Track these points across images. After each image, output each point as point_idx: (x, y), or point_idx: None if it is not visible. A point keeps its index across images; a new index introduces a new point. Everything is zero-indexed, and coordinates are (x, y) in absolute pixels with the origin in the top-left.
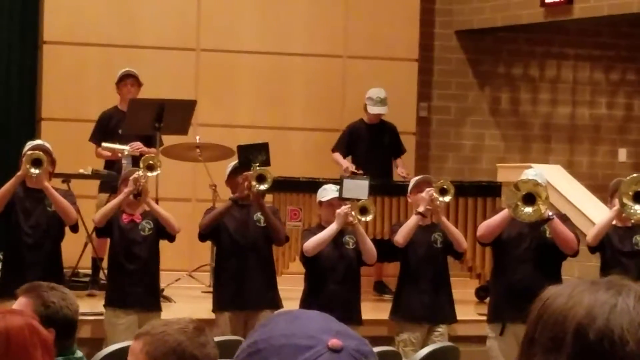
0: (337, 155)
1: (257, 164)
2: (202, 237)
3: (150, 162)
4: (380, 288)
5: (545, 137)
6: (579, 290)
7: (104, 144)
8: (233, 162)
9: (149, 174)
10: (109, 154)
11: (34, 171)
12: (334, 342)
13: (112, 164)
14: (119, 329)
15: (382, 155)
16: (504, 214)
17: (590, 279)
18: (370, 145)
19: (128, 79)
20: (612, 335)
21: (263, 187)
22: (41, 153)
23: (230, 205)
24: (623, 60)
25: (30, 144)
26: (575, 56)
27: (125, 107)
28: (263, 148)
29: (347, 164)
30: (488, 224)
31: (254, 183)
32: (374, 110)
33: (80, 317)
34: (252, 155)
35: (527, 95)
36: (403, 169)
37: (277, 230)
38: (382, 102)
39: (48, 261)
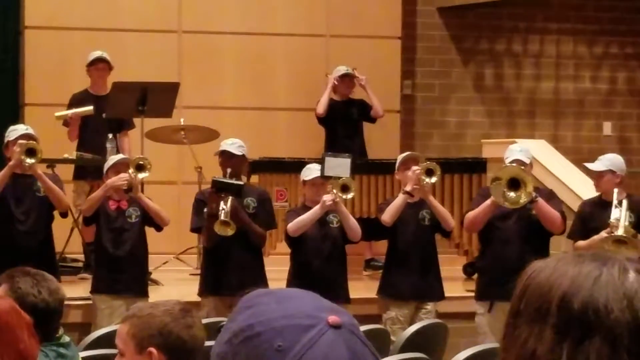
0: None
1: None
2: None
3: (141, 162)
4: (372, 265)
5: (530, 113)
6: (563, 262)
7: (56, 114)
8: (226, 140)
9: (139, 175)
10: (70, 127)
11: (29, 161)
12: (334, 319)
13: (99, 148)
14: (106, 314)
15: (354, 130)
16: (488, 203)
17: (576, 252)
18: (343, 121)
19: (99, 63)
20: (597, 304)
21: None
22: (35, 143)
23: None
24: (606, 33)
25: (13, 129)
26: (558, 30)
27: (95, 90)
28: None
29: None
30: (475, 217)
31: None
32: (339, 71)
33: (71, 302)
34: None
35: (511, 71)
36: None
37: (256, 235)
38: (348, 70)
39: (41, 246)
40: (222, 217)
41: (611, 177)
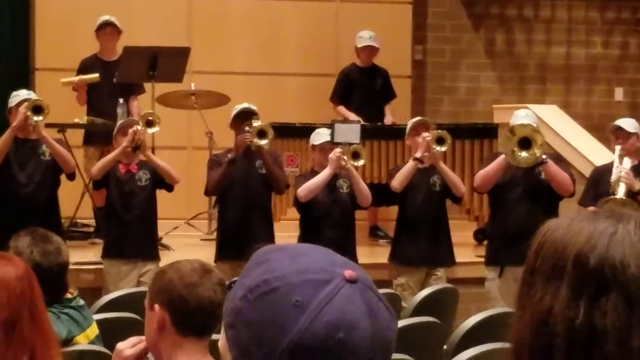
0: (342, 109)
1: (257, 119)
2: (209, 193)
3: (150, 118)
4: (375, 233)
5: (541, 78)
6: (578, 220)
7: (62, 80)
8: (237, 105)
9: (148, 130)
10: (78, 93)
11: (36, 118)
12: (350, 273)
13: (110, 113)
14: (117, 278)
15: (375, 100)
16: (499, 161)
17: (591, 211)
18: (363, 89)
19: (107, 28)
20: (613, 260)
21: (263, 142)
22: (42, 100)
23: (229, 166)
24: None
25: (15, 94)
26: None
27: (105, 56)
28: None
29: (355, 117)
30: (485, 175)
31: (255, 140)
32: (365, 42)
33: (82, 267)
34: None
35: (522, 36)
36: (391, 117)
37: (276, 179)
38: (372, 39)
39: (45, 210)
40: (258, 127)
41: (635, 141)
